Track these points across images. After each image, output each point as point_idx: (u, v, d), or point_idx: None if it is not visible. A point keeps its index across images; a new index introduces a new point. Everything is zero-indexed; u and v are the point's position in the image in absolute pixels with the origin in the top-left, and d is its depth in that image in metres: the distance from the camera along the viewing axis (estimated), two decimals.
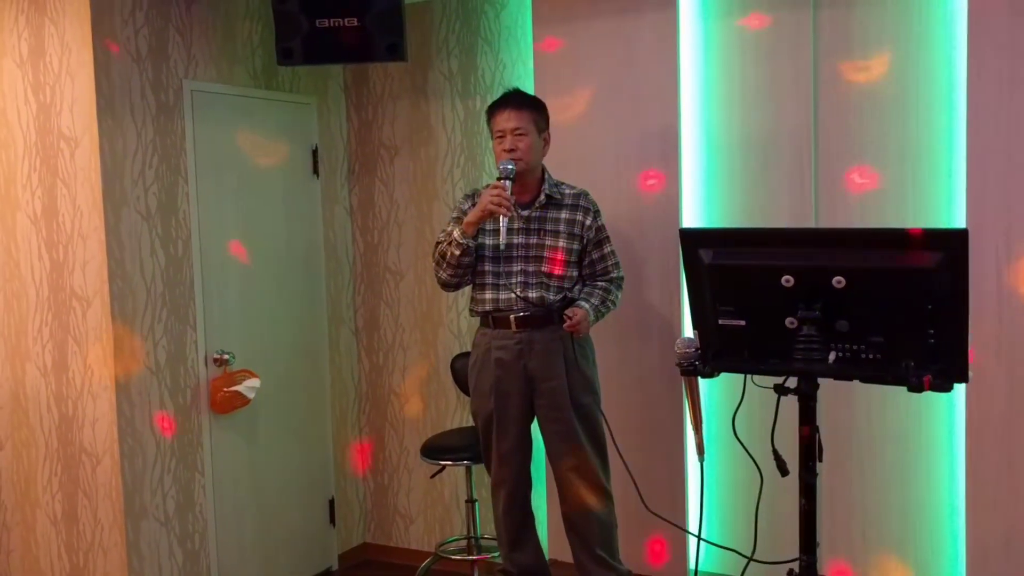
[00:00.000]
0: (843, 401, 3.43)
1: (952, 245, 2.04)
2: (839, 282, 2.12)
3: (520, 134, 3.26)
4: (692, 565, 3.78)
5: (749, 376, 2.36)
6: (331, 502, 4.34)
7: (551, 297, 3.30)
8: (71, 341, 3.43)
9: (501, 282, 3.30)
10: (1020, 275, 3.18)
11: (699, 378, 2.38)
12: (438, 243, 3.37)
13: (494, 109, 3.36)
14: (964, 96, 3.24)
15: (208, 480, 3.72)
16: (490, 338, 3.36)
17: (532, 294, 3.28)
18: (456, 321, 4.24)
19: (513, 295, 3.27)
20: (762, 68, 3.57)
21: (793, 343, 2.19)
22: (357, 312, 4.49)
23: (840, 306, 2.14)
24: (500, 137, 3.29)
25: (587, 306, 3.27)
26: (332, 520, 4.34)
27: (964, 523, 3.33)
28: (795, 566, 2.31)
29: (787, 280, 2.17)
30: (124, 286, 3.39)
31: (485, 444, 3.47)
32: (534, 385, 3.32)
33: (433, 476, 4.06)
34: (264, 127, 4.00)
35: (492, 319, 3.35)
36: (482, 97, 4.10)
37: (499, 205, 3.15)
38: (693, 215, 3.73)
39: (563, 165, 3.62)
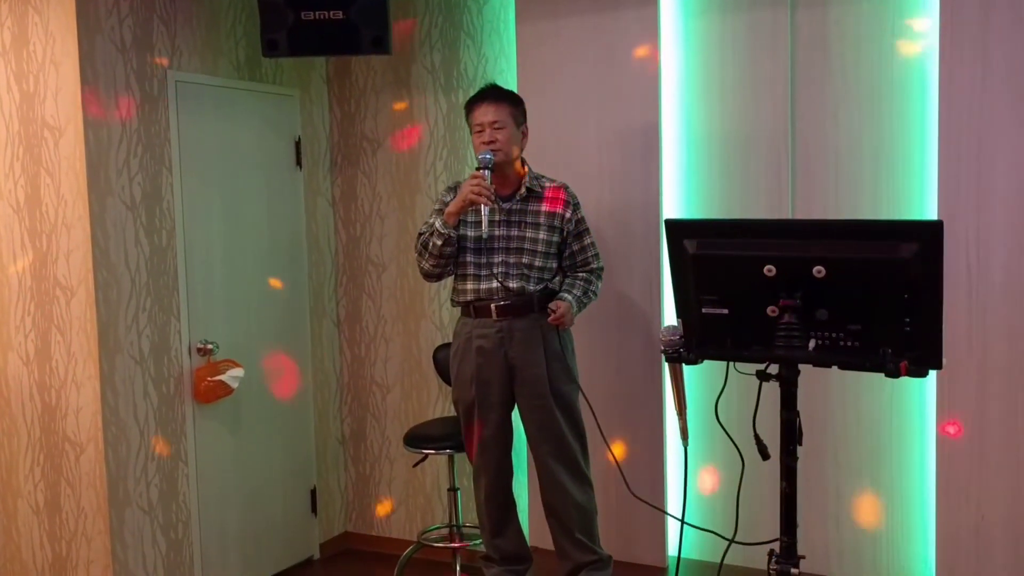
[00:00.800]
0: (818, 391, 3.52)
1: (928, 236, 2.10)
2: (819, 272, 2.18)
3: (498, 127, 3.32)
4: (672, 551, 3.86)
5: (731, 363, 2.42)
6: (313, 492, 4.37)
7: (531, 287, 3.35)
8: (55, 331, 3.43)
9: (483, 272, 3.35)
10: (990, 266, 3.28)
11: (683, 365, 2.43)
12: (420, 234, 3.42)
13: (472, 104, 3.41)
14: (936, 92, 3.33)
15: (192, 469, 3.73)
16: (471, 327, 3.41)
17: (513, 284, 3.33)
18: (438, 313, 4.28)
19: (496, 283, 3.32)
20: (741, 65, 3.65)
21: (774, 331, 2.25)
22: (339, 304, 4.52)
23: (820, 295, 2.20)
24: (479, 131, 3.35)
25: (570, 298, 3.34)
26: (314, 509, 4.37)
27: (935, 510, 3.42)
28: (775, 547, 2.38)
29: (769, 270, 2.22)
30: (109, 276, 3.40)
31: (466, 432, 3.52)
32: (514, 373, 3.37)
33: (416, 465, 4.10)
34: (247, 118, 4.01)
35: (473, 308, 3.40)
36: (464, 91, 4.13)
37: (479, 194, 3.21)
38: (673, 208, 3.80)
39: (545, 159, 3.67)
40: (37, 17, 3.35)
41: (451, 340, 4.20)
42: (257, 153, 4.07)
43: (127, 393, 3.47)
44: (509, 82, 3.99)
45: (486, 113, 3.34)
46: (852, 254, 2.17)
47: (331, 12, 3.64)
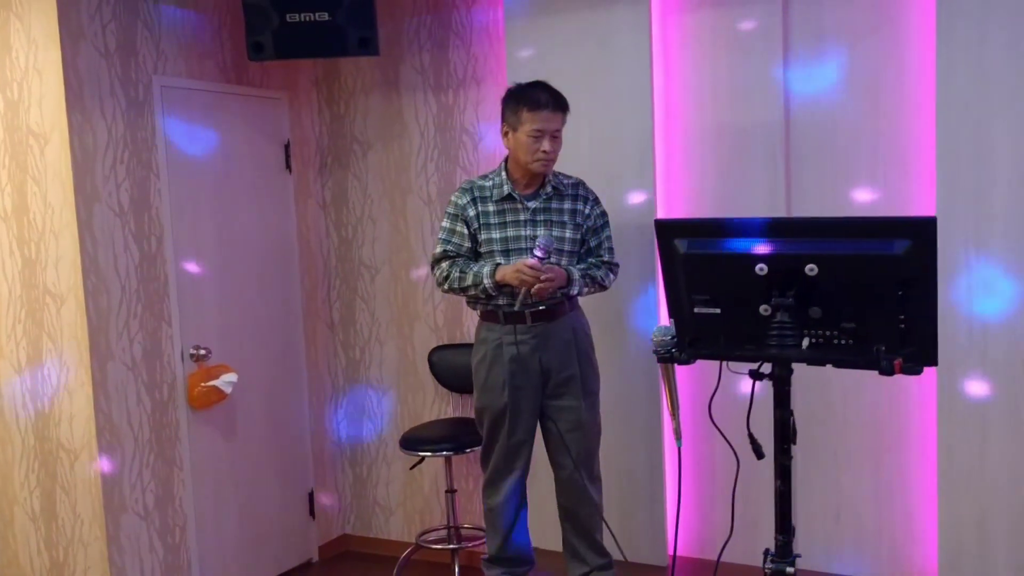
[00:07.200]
0: (816, 388, 3.50)
1: (921, 232, 2.08)
2: (812, 270, 2.16)
3: (556, 136, 3.22)
4: (671, 551, 3.84)
5: (724, 362, 2.40)
6: (311, 494, 4.35)
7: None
8: (45, 338, 3.41)
9: None
10: (989, 260, 3.25)
11: (676, 365, 2.41)
12: (441, 259, 3.33)
13: (537, 106, 3.20)
14: (933, 89, 3.30)
15: (187, 474, 3.71)
16: (500, 333, 3.31)
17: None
18: (433, 315, 4.25)
19: (524, 289, 3.18)
20: (735, 60, 3.61)
21: (767, 330, 2.23)
22: (333, 307, 4.49)
23: (813, 293, 2.18)
24: (537, 136, 3.20)
25: (572, 270, 3.26)
26: (312, 512, 4.35)
27: (936, 506, 3.40)
28: (770, 546, 2.36)
29: (761, 268, 2.20)
30: (98, 282, 3.37)
31: (491, 438, 3.41)
32: (548, 376, 3.31)
33: (413, 467, 4.08)
34: (235, 122, 3.98)
35: (503, 314, 3.30)
36: (454, 91, 4.10)
37: (525, 284, 3.12)
38: (669, 207, 3.77)
39: None
40: (19, 24, 3.32)
41: (446, 342, 4.20)
42: (246, 157, 4.04)
43: (120, 400, 3.45)
44: (499, 81, 3.96)
45: (551, 120, 3.20)
46: (844, 251, 2.15)
47: (316, 14, 3.60)
